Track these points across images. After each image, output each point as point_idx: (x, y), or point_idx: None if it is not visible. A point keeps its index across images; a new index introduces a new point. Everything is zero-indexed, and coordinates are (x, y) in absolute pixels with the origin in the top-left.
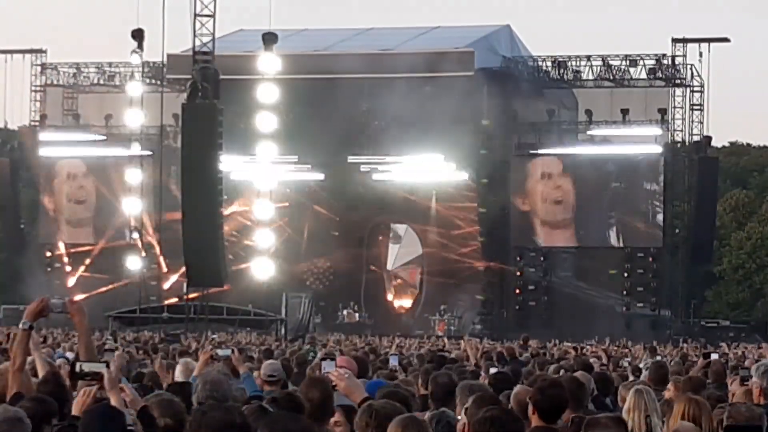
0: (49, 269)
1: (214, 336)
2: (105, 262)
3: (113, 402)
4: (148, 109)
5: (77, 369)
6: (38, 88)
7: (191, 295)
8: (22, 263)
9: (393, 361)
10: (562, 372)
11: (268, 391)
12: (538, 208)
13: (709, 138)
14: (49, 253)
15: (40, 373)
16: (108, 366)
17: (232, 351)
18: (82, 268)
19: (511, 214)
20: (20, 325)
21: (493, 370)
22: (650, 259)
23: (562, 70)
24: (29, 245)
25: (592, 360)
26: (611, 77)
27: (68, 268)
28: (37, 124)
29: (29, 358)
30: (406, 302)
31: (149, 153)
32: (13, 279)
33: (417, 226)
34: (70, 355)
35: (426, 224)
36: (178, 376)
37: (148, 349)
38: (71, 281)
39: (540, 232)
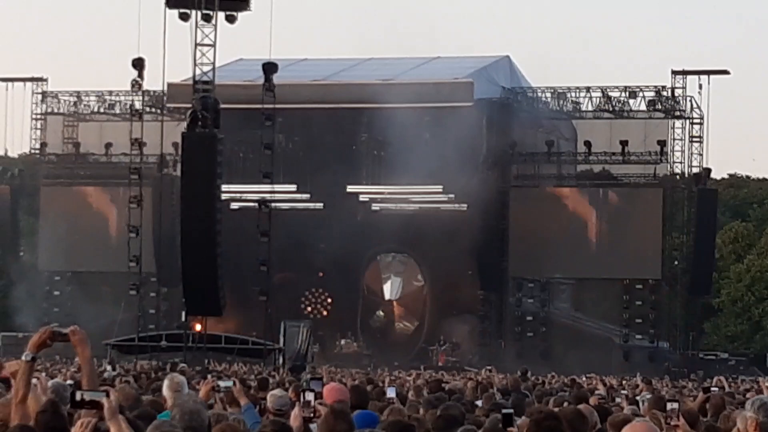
0: (48, 297)
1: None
2: (104, 290)
3: None
4: (147, 138)
5: (77, 397)
6: (39, 116)
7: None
8: (22, 291)
9: (390, 393)
10: (566, 404)
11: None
12: (536, 239)
13: (709, 170)
14: (48, 281)
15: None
16: (108, 395)
17: (234, 383)
18: (81, 296)
19: (510, 245)
20: (23, 357)
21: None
22: (649, 290)
23: (561, 101)
24: (28, 273)
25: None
26: (610, 109)
27: (67, 297)
28: (37, 152)
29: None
30: (404, 332)
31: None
32: (12, 307)
33: (416, 256)
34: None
35: (425, 254)
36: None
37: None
38: (70, 310)
39: (539, 263)
